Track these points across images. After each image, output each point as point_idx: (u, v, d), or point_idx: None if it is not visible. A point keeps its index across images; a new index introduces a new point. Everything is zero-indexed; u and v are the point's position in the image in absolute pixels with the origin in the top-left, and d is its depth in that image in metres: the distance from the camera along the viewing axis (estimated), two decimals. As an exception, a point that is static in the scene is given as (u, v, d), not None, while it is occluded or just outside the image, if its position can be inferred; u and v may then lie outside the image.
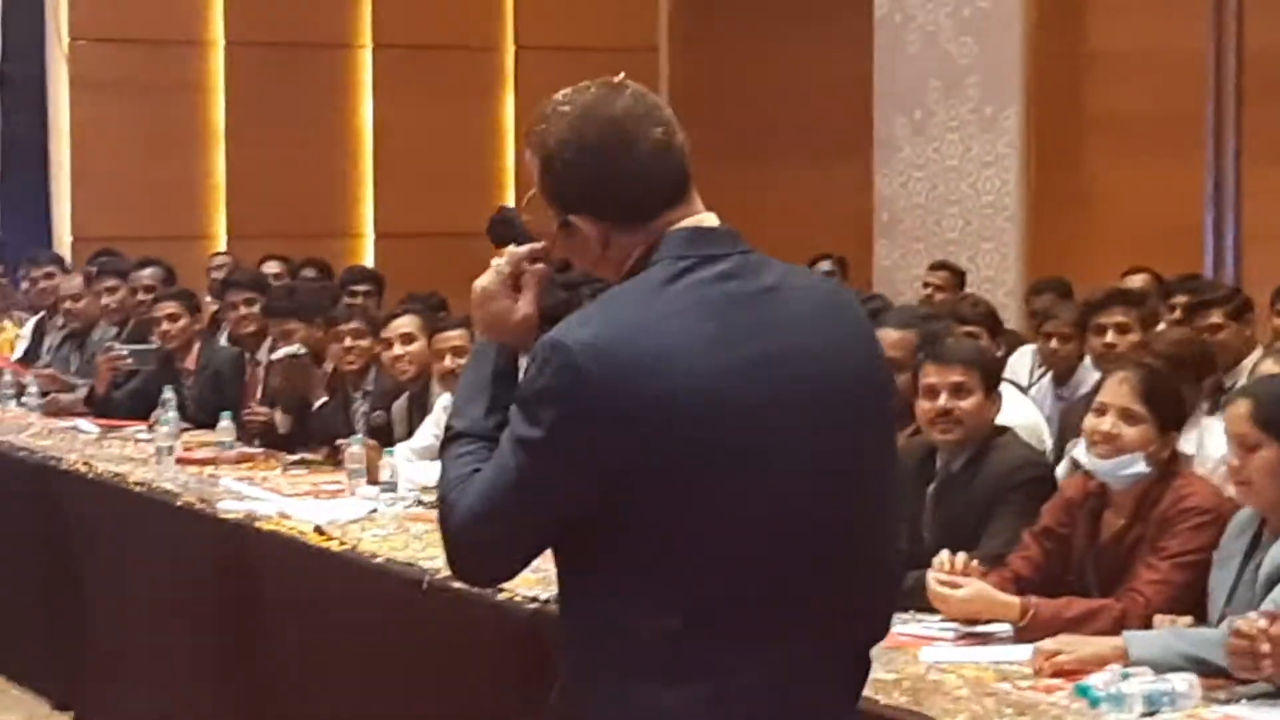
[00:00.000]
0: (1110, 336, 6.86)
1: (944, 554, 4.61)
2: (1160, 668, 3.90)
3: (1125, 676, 3.86)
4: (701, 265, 2.72)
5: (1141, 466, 4.63)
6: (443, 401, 7.13)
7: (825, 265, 11.05)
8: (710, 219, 2.79)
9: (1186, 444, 5.60)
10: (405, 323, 7.41)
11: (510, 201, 14.91)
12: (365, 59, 14.54)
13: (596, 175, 2.75)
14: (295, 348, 7.94)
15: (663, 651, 2.66)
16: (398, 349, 7.34)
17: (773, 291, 2.76)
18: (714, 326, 2.68)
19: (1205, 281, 9.49)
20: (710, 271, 2.72)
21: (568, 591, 2.79)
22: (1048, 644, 4.13)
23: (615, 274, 2.80)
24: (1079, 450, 4.77)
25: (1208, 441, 5.67)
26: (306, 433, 7.81)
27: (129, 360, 8.87)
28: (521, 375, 2.75)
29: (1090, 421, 4.74)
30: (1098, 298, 7.10)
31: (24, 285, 11.11)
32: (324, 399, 7.86)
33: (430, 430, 7.14)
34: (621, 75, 2.81)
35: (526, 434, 2.67)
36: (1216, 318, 7.41)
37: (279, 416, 7.97)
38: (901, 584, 3.00)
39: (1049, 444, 6.34)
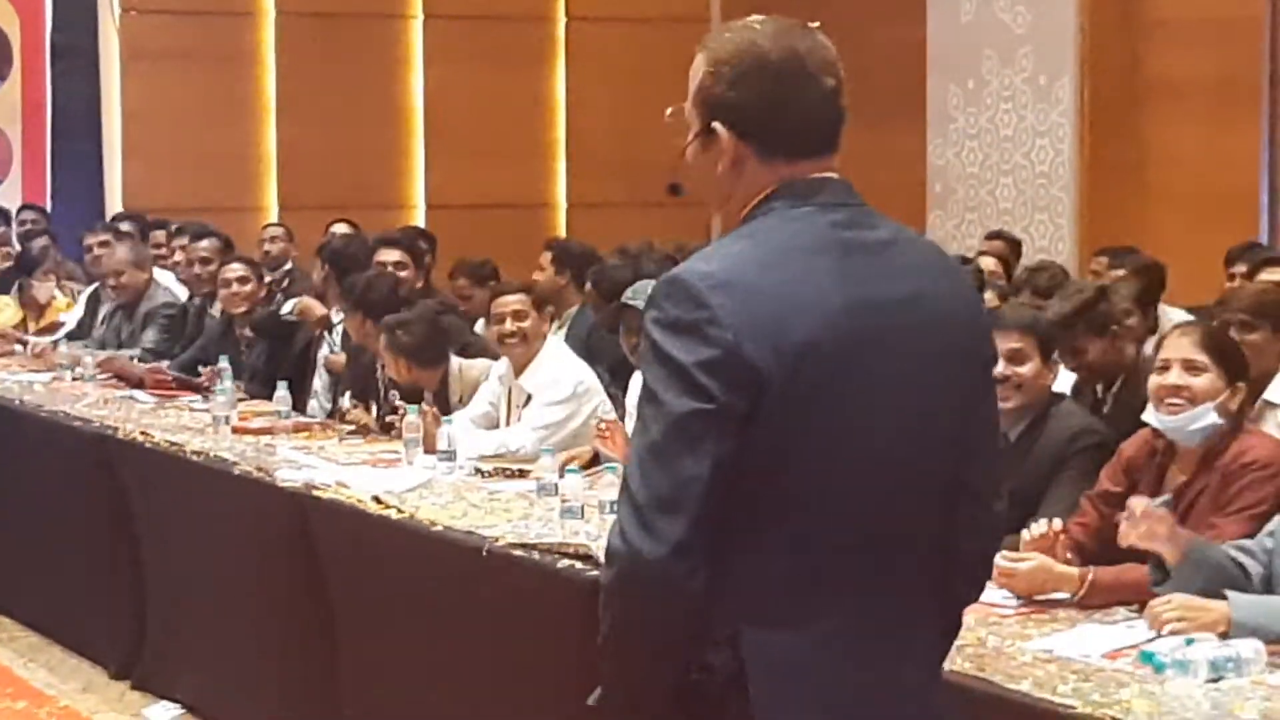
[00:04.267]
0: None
1: (1042, 523, 4.55)
2: (1264, 634, 3.88)
3: (1190, 642, 3.84)
4: (820, 211, 2.74)
5: (1213, 418, 4.61)
6: (498, 370, 7.12)
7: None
8: (832, 174, 2.79)
9: (1272, 393, 5.59)
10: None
11: (561, 171, 14.93)
12: (416, 29, 14.53)
13: (762, 93, 2.74)
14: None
15: (778, 596, 2.66)
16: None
17: (888, 243, 2.78)
18: (831, 269, 2.69)
19: (1264, 248, 9.39)
20: (829, 217, 2.74)
21: None
22: (1162, 608, 4.07)
23: (731, 204, 2.79)
24: (1148, 414, 4.75)
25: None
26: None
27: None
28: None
29: (1155, 380, 4.72)
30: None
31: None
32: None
33: (485, 398, 7.14)
34: (817, 24, 2.80)
35: (663, 374, 2.61)
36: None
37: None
38: (1000, 544, 2.99)
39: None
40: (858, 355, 2.66)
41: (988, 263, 9.49)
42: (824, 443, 2.65)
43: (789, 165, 2.75)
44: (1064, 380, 6.06)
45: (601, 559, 4.72)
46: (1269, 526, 4.33)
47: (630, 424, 7.04)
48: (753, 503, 2.64)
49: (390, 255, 8.81)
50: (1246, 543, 4.31)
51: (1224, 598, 4.04)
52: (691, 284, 2.63)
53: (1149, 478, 4.77)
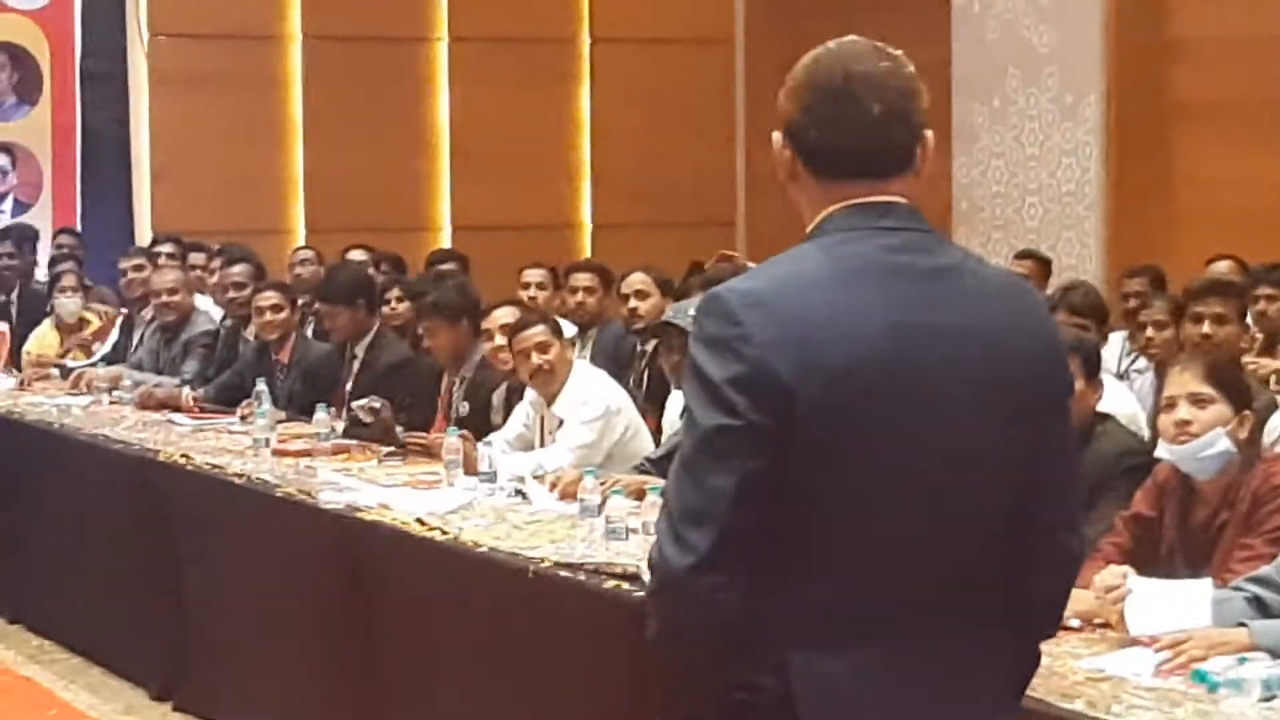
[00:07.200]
0: (1207, 327, 6.74)
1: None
2: None
3: (1243, 661, 3.86)
4: (873, 235, 2.74)
5: (1225, 444, 4.63)
6: (530, 395, 7.14)
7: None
8: (896, 198, 2.79)
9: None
10: (505, 314, 7.40)
11: (586, 192, 14.96)
12: (442, 52, 14.59)
13: (807, 110, 2.78)
14: (373, 401, 7.60)
15: (824, 620, 2.67)
16: (499, 340, 7.35)
17: (948, 270, 2.76)
18: (876, 293, 2.69)
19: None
20: (880, 242, 2.74)
21: None
22: (1176, 635, 4.10)
23: (803, 212, 2.82)
24: (1161, 449, 4.78)
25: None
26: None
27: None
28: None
29: (1163, 419, 4.76)
30: (1195, 287, 7.00)
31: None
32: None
33: (520, 420, 7.17)
34: (899, 52, 2.82)
35: (697, 389, 2.66)
36: None
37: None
38: (1076, 576, 2.97)
39: (1147, 434, 6.33)
40: (902, 381, 2.66)
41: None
42: (864, 467, 2.65)
43: (841, 186, 2.77)
44: (1117, 401, 6.10)
45: (646, 578, 4.80)
46: None
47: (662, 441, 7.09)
48: (795, 525, 2.66)
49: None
50: (1267, 571, 4.31)
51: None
52: (728, 300, 2.66)
53: (1174, 506, 4.80)
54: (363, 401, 7.53)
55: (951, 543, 2.73)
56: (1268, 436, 5.95)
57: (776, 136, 2.82)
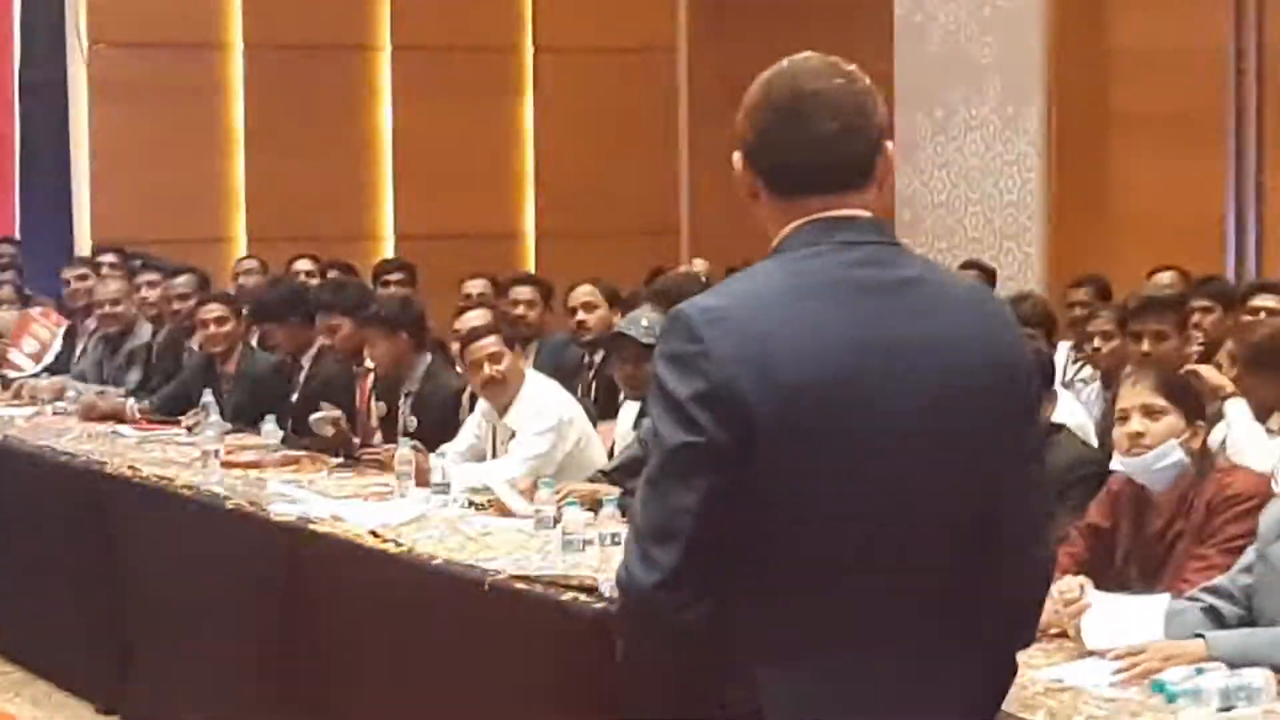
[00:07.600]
0: (1146, 345, 6.77)
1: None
2: (1238, 665, 3.93)
3: (1201, 672, 3.89)
4: (833, 251, 2.74)
5: (1179, 455, 4.67)
6: (481, 407, 7.14)
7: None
8: (858, 212, 2.78)
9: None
10: (475, 316, 7.41)
11: (529, 201, 14.95)
12: (384, 61, 14.55)
13: (761, 129, 2.79)
14: (332, 412, 7.59)
15: (788, 633, 2.68)
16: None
17: (910, 282, 2.76)
18: (836, 308, 2.69)
19: (1227, 282, 9.38)
20: (842, 257, 2.74)
21: None
22: (1133, 646, 4.13)
23: (768, 230, 2.83)
24: (1115, 461, 4.82)
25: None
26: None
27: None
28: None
29: (1116, 431, 4.80)
30: (1133, 306, 7.03)
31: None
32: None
33: (472, 431, 7.16)
34: (854, 67, 2.82)
35: (662, 407, 2.67)
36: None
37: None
38: (1048, 586, 2.98)
39: (1095, 443, 6.37)
40: (862, 395, 2.67)
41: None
42: (827, 482, 2.66)
43: (800, 202, 2.77)
44: (1065, 411, 6.13)
45: (605, 591, 4.80)
46: (1242, 561, 4.38)
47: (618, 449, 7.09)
48: (762, 539, 2.67)
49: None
50: (1221, 582, 4.36)
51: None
52: (690, 317, 2.67)
53: (1129, 516, 4.83)
54: (322, 414, 7.52)
55: (918, 555, 2.73)
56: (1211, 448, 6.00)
57: (736, 157, 2.83)
